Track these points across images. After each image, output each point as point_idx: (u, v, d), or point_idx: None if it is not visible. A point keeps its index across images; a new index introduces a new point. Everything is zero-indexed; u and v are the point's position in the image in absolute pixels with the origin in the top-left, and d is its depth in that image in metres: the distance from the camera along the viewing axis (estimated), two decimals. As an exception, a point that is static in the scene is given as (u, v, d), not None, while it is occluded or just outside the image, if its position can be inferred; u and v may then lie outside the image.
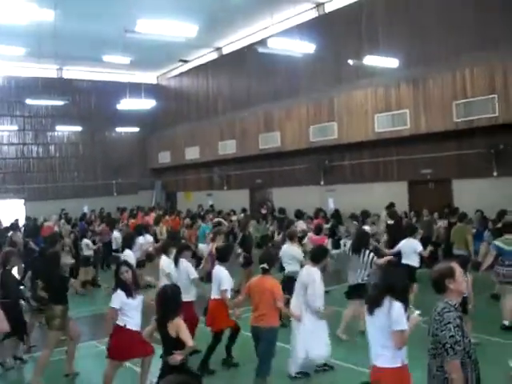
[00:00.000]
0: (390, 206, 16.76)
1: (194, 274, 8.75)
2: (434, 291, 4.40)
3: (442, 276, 4.32)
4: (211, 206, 26.13)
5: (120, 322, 7.04)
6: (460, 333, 4.07)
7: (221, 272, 8.22)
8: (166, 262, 9.12)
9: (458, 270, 4.35)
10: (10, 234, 15.61)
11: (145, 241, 14.05)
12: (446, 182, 17.99)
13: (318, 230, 13.11)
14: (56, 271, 8.23)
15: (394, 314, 4.90)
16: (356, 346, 8.65)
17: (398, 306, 4.94)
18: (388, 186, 19.46)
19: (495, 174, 16.40)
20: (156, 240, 15.80)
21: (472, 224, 14.39)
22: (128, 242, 11.62)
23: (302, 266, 9.35)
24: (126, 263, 7.56)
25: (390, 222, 15.24)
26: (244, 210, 22.54)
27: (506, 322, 9.50)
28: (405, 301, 5.08)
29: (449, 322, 4.07)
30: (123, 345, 7.00)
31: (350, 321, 9.47)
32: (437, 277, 4.36)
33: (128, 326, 7.03)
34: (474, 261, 12.73)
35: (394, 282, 5.08)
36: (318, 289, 7.50)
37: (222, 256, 8.52)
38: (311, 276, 7.58)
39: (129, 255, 11.01)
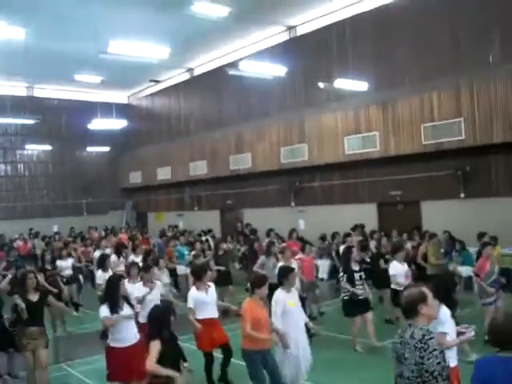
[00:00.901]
0: (355, 228, 16.94)
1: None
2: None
3: (415, 301, 4.27)
4: (174, 226, 25.90)
5: (108, 341, 7.04)
6: (444, 357, 4.07)
7: (190, 291, 8.35)
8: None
9: (430, 294, 4.32)
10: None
11: (119, 261, 13.89)
12: (415, 203, 18.20)
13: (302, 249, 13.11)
14: (22, 293, 8.09)
15: (440, 317, 5.46)
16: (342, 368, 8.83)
17: (442, 310, 5.55)
18: (358, 208, 19.63)
19: (462, 195, 16.66)
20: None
21: (440, 244, 14.59)
22: (101, 263, 11.53)
23: None
24: (123, 277, 7.66)
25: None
26: (210, 231, 22.35)
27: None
28: (451, 306, 5.70)
29: (434, 349, 4.02)
30: (115, 366, 6.95)
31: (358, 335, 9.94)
32: (409, 302, 4.32)
33: (112, 345, 7.00)
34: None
35: (438, 289, 5.53)
36: (277, 310, 7.36)
37: (195, 275, 8.55)
38: (274, 297, 7.56)
39: (99, 277, 10.98)
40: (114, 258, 14.10)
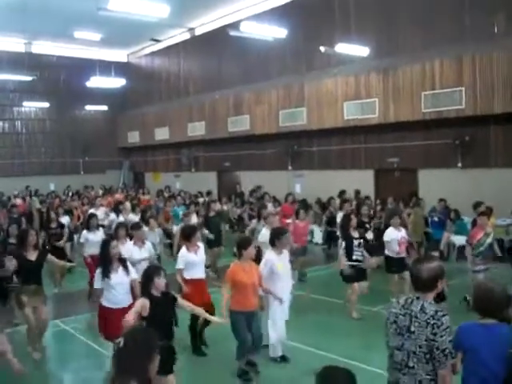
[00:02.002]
0: (341, 194, 17.00)
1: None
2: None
3: (436, 276, 4.10)
4: (168, 187, 25.78)
5: (101, 300, 7.23)
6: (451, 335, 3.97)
7: (180, 252, 8.40)
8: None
9: None
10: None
11: (118, 219, 13.94)
12: (412, 171, 18.24)
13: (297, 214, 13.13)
14: (20, 251, 8.19)
15: None
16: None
17: None
18: (355, 174, 19.65)
19: (460, 165, 16.68)
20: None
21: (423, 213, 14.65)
22: (87, 222, 11.62)
23: None
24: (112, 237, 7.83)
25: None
26: (209, 193, 22.26)
27: None
28: None
29: (448, 327, 3.88)
30: (104, 323, 7.15)
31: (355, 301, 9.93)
32: (431, 276, 4.09)
33: (104, 304, 7.17)
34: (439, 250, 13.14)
35: None
36: (265, 271, 7.59)
37: (184, 236, 8.57)
38: (264, 257, 7.84)
39: (82, 236, 11.12)
40: (113, 216, 14.26)
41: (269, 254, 7.80)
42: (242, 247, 7.24)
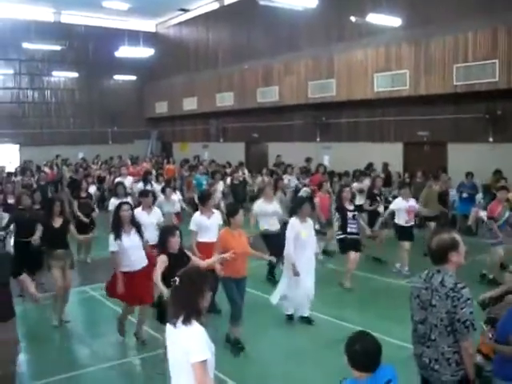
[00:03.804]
0: (369, 167, 16.86)
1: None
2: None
3: (446, 248, 4.09)
4: (197, 157, 25.90)
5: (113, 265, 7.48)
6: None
7: (194, 215, 8.84)
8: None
9: (461, 241, 4.13)
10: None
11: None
12: (442, 145, 17.98)
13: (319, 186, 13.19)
14: (46, 218, 8.52)
15: None
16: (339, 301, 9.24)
17: None
18: (383, 146, 19.46)
19: (491, 139, 16.38)
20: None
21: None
22: (114, 190, 11.89)
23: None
24: (128, 203, 8.01)
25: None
26: (241, 164, 22.16)
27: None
28: None
29: (468, 299, 3.91)
30: (114, 287, 7.38)
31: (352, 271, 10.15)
32: (440, 248, 4.12)
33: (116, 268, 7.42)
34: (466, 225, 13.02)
35: None
36: (288, 238, 8.02)
37: (201, 200, 9.01)
38: (290, 222, 8.23)
39: (111, 203, 11.32)
40: (141, 185, 14.44)
41: (293, 221, 8.15)
42: (230, 215, 7.46)
